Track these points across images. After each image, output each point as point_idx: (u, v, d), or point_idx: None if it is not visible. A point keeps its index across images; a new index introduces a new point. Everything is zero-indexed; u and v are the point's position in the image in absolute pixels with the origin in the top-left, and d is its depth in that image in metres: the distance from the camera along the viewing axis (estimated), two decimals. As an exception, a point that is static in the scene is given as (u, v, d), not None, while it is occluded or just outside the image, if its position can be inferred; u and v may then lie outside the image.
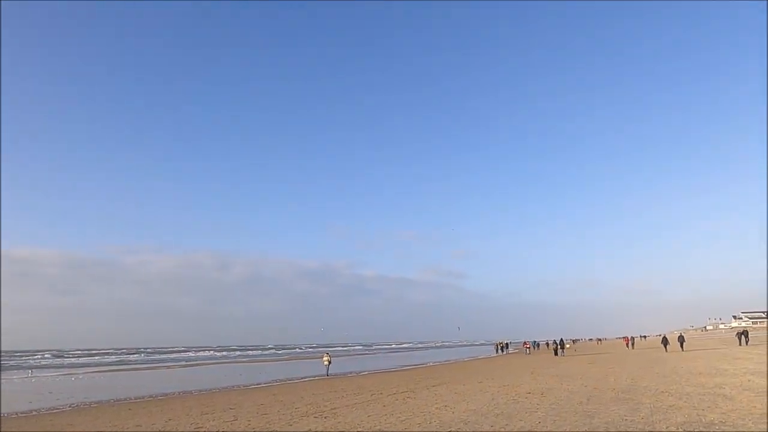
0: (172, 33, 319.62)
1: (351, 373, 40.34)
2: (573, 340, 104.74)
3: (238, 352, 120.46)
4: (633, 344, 71.90)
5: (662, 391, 16.40)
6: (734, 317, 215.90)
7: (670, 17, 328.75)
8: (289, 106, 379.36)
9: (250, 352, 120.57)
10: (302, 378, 36.22)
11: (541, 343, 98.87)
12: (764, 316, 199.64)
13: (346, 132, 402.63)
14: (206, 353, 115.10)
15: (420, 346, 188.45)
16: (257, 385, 31.04)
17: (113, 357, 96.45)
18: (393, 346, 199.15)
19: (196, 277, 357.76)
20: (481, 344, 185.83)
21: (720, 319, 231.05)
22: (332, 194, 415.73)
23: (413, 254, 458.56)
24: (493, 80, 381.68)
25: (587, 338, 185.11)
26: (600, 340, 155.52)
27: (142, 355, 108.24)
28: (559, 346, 57.55)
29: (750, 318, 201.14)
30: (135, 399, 24.35)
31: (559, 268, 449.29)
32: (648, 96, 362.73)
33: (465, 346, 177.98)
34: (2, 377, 45.45)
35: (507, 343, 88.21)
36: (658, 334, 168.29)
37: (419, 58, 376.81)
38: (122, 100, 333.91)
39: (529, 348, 76.65)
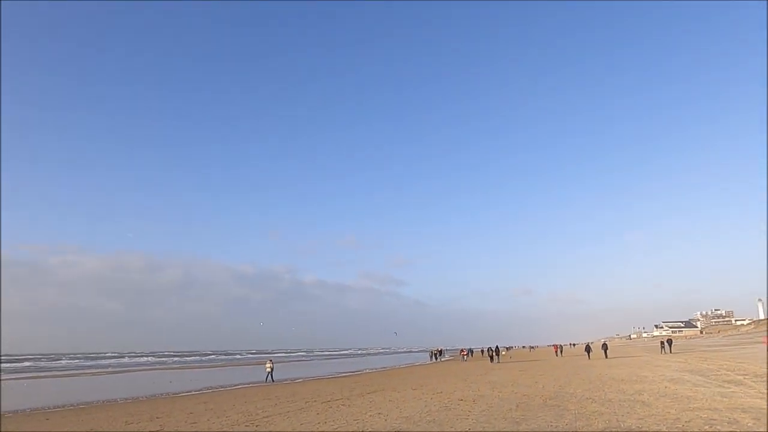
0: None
1: (287, 380, 39.79)
2: (506, 348, 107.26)
3: (176, 358, 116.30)
4: (561, 352, 74.55)
5: (587, 398, 17.06)
6: (656, 326, 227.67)
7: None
8: (229, 109, 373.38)
9: (188, 359, 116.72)
10: (237, 385, 35.43)
11: (475, 350, 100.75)
12: (683, 325, 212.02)
13: (288, 138, 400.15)
14: (135, 359, 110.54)
15: (359, 352, 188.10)
16: (188, 392, 30.11)
17: (27, 363, 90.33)
18: (333, 352, 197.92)
19: (125, 279, 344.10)
20: (419, 351, 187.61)
21: (643, 328, 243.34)
22: (274, 199, 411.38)
23: (353, 260, 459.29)
24: (439, 90, 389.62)
25: (520, 346, 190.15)
26: (532, 347, 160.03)
27: (64, 360, 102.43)
28: (494, 353, 58.79)
29: (670, 327, 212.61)
30: (53, 408, 23.07)
31: (495, 278, 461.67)
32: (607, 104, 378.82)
33: (403, 352, 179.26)
34: None
35: (441, 350, 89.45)
36: (587, 341, 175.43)
37: (364, 68, 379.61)
38: (47, 91, 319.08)
39: (465, 355, 77.89)
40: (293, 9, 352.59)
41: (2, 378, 50.41)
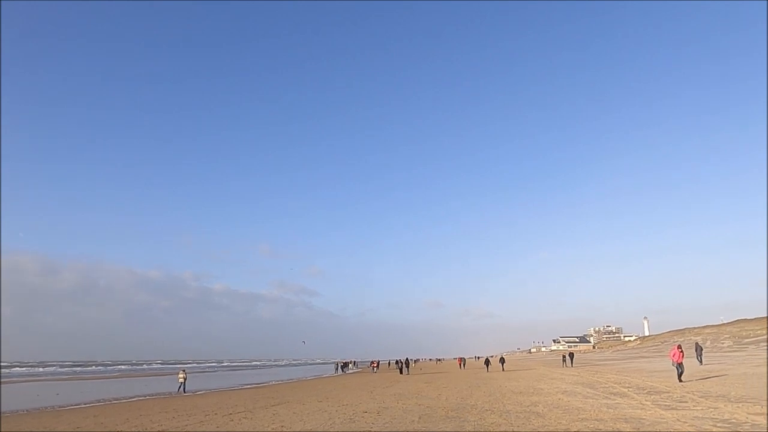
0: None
1: (188, 391, 38.12)
2: (414, 360, 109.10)
3: (72, 368, 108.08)
4: (464, 365, 76.67)
5: (486, 409, 17.66)
6: (554, 341, 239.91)
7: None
8: (141, 107, 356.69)
9: (85, 369, 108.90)
10: (134, 397, 33.51)
11: (382, 362, 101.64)
12: (578, 340, 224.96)
13: (205, 138, 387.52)
14: (24, 369, 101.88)
15: (269, 363, 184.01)
16: (78, 405, 28.08)
17: None
18: (242, 363, 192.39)
19: (15, 282, 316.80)
20: (330, 363, 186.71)
21: (542, 342, 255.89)
22: (187, 202, 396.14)
23: (266, 269, 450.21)
24: (365, 95, 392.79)
25: (428, 358, 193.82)
26: (439, 360, 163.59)
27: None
28: (404, 365, 59.79)
29: (566, 342, 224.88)
30: None
31: (407, 290, 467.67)
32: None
33: (313, 364, 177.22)
34: None
35: (347, 363, 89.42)
36: (490, 355, 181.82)
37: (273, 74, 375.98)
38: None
39: (375, 366, 78.35)
40: None
41: None
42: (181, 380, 38.06)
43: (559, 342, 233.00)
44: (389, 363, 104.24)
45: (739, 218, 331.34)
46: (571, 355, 58.47)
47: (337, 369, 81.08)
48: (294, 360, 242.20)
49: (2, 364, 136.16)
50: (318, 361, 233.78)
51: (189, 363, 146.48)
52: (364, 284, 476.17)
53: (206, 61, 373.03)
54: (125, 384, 52.77)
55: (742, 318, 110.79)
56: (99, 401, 30.74)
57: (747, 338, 78.21)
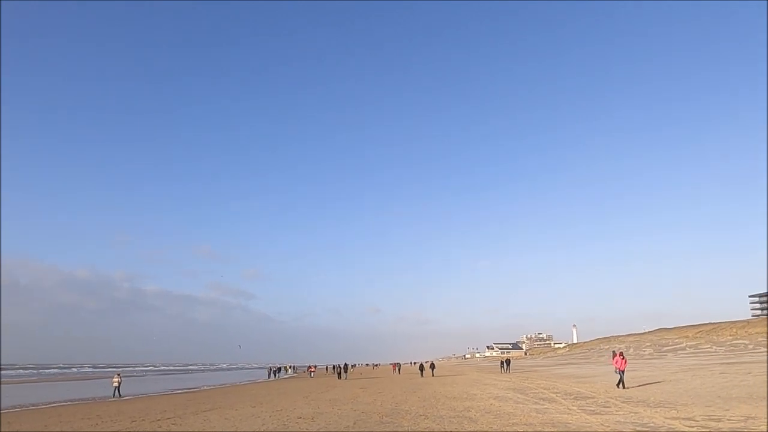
0: None
1: (103, 398, 36.53)
2: (351, 366, 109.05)
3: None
4: (399, 370, 77.29)
5: (420, 415, 17.86)
6: (488, 347, 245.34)
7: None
8: (74, 101, 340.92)
9: (18, 371, 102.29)
10: (53, 403, 31.73)
11: (319, 367, 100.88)
12: (511, 347, 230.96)
13: (141, 137, 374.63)
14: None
15: (203, 367, 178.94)
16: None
17: None
18: (175, 367, 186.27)
19: None
20: (268, 367, 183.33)
21: (476, 348, 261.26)
22: (120, 200, 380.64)
23: (204, 271, 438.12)
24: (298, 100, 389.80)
25: (365, 363, 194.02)
26: (376, 365, 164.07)
27: None
28: (342, 370, 60.08)
29: (500, 348, 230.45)
30: None
31: (346, 295, 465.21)
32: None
33: (249, 368, 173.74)
34: None
35: (280, 367, 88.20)
36: (426, 360, 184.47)
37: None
38: None
39: (313, 371, 77.77)
40: None
41: None
42: (116, 384, 37.01)
43: (492, 348, 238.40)
44: (327, 368, 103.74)
45: (661, 233, 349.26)
46: (508, 361, 59.98)
47: (270, 374, 79.22)
48: (231, 364, 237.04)
49: None
50: (254, 365, 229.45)
51: (121, 366, 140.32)
52: (304, 288, 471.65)
53: (150, 60, 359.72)
54: (53, 388, 50.05)
55: (663, 327, 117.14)
56: (16, 407, 28.94)
57: (666, 346, 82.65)
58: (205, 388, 49.50)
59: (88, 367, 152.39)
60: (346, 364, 62.87)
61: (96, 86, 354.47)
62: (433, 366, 61.18)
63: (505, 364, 57.48)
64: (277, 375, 79.31)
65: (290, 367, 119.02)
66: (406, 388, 34.71)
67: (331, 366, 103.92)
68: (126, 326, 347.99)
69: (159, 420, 19.18)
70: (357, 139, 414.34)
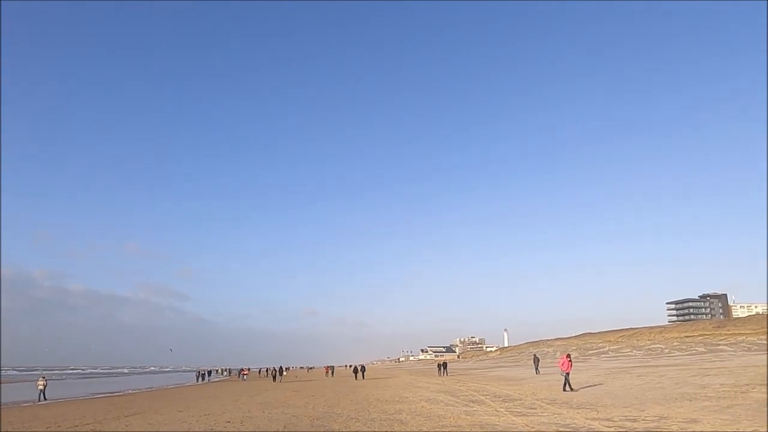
0: None
1: (28, 401, 34.49)
2: (285, 368, 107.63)
3: None
4: (333, 373, 76.95)
5: (352, 418, 17.84)
6: (422, 350, 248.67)
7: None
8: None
9: None
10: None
11: (253, 369, 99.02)
12: (444, 350, 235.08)
13: (66, 127, 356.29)
14: None
15: (130, 371, 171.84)
16: None
17: None
18: (101, 370, 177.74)
19: None
20: (197, 371, 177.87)
21: (411, 351, 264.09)
22: (41, 193, 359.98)
23: (132, 269, 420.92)
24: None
25: (299, 366, 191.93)
26: (310, 368, 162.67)
27: None
28: (278, 373, 59.61)
29: (434, 352, 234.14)
30: None
31: (283, 297, 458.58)
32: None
33: (181, 372, 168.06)
34: None
35: (210, 370, 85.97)
36: (361, 363, 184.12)
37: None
38: None
39: (245, 374, 76.14)
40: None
41: None
42: (41, 387, 35.96)
43: (426, 351, 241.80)
44: (260, 371, 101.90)
45: (588, 243, 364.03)
46: (445, 364, 60.79)
47: (198, 378, 76.25)
48: (161, 367, 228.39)
49: None
50: (186, 368, 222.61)
51: (43, 369, 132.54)
52: (240, 289, 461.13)
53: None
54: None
55: (588, 332, 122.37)
56: None
57: (590, 350, 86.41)
58: (131, 392, 47.56)
59: (12, 370, 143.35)
60: (281, 367, 62.44)
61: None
62: (363, 369, 61.45)
63: (442, 367, 58.28)
64: (206, 378, 76.69)
65: (224, 370, 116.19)
66: (339, 391, 34.59)
67: (265, 369, 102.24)
68: (48, 327, 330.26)
69: (77, 426, 18.26)
70: (298, 138, 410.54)
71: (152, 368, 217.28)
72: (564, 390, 24.73)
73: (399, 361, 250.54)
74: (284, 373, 64.30)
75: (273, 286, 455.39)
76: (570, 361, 25.77)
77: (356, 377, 57.04)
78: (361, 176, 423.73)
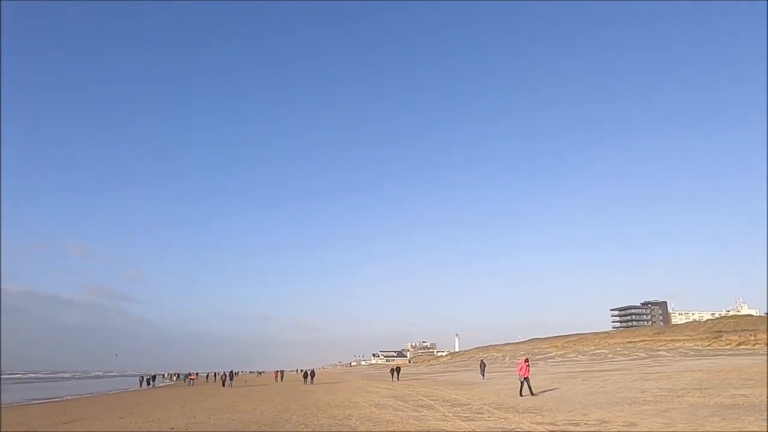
0: None
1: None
2: (235, 373, 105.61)
3: None
4: (282, 377, 76.08)
5: (300, 423, 17.66)
6: (374, 355, 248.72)
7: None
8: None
9: None
10: None
11: (201, 374, 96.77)
12: (395, 355, 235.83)
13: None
14: None
15: (72, 375, 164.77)
16: None
17: None
18: (41, 374, 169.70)
19: None
20: (140, 375, 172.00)
21: (363, 356, 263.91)
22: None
23: (76, 270, 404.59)
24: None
25: (249, 371, 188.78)
26: (260, 372, 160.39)
27: None
28: (228, 378, 58.63)
29: (385, 356, 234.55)
30: None
31: (235, 300, 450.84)
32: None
33: (127, 376, 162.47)
34: None
35: (155, 375, 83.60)
36: (311, 368, 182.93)
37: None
38: None
39: (192, 379, 74.26)
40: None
41: None
42: None
43: (378, 356, 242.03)
44: (207, 376, 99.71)
45: (535, 251, 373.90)
46: (398, 368, 61.00)
47: (142, 382, 73.66)
48: (105, 372, 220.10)
49: None
50: (132, 373, 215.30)
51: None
52: (189, 292, 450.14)
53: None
54: None
55: (536, 337, 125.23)
56: None
57: (538, 355, 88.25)
58: (69, 397, 45.66)
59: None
60: (231, 372, 61.35)
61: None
62: (313, 374, 61.22)
63: (395, 371, 58.45)
64: (151, 383, 74.15)
65: (172, 375, 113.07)
66: (289, 396, 34.22)
67: (213, 374, 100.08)
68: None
69: (9, 434, 17.39)
70: (238, 136, 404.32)
71: (96, 373, 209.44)
72: (521, 395, 24.36)
73: (351, 366, 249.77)
74: (234, 377, 63.13)
75: (224, 289, 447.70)
76: (528, 365, 25.61)
77: (305, 382, 56.62)
78: (317, 181, 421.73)
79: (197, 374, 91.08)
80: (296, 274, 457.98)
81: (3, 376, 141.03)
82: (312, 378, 58.91)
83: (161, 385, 78.91)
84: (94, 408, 30.27)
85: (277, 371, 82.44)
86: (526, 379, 24.75)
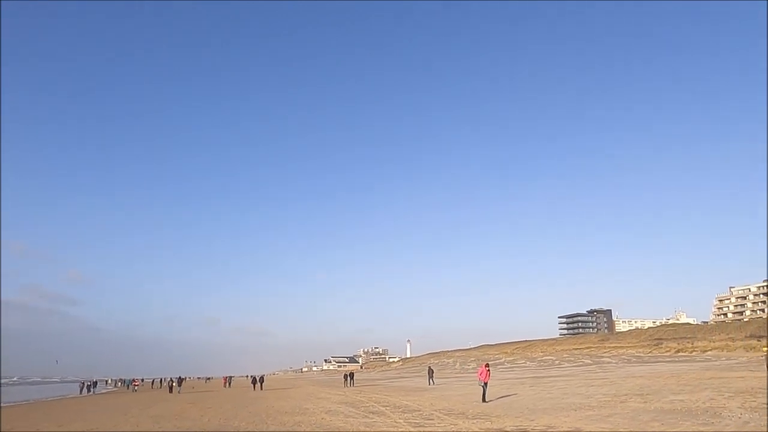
0: None
1: None
2: (182, 379, 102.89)
3: None
4: (230, 383, 74.61)
5: (249, 430, 17.33)
6: (326, 361, 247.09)
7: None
8: None
9: None
10: None
11: (146, 380, 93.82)
12: (347, 361, 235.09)
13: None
14: None
15: (8, 381, 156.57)
16: None
17: None
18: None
19: None
20: (80, 382, 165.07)
21: (314, 361, 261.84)
22: None
23: (14, 271, 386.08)
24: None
25: (197, 377, 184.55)
26: (208, 378, 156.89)
27: None
28: (177, 384, 57.20)
29: (337, 362, 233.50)
30: None
31: (183, 304, 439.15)
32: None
33: (66, 382, 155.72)
34: None
35: (96, 381, 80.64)
36: (267, 373, 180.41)
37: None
38: None
39: (137, 385, 71.88)
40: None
41: None
42: None
43: (330, 362, 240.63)
44: (153, 382, 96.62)
45: (487, 260, 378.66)
46: (352, 374, 60.64)
47: (83, 389, 70.35)
48: (45, 378, 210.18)
49: None
50: (74, 379, 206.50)
51: None
52: (136, 296, 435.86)
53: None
54: None
55: (486, 343, 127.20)
56: None
57: (488, 361, 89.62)
58: (5, 405, 43.35)
59: None
60: (180, 377, 59.77)
61: None
62: (262, 380, 60.33)
63: (349, 377, 58.16)
64: (92, 390, 71.05)
65: (117, 381, 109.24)
66: (238, 403, 33.57)
67: (159, 380, 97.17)
68: None
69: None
70: (192, 137, 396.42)
71: (35, 379, 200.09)
72: (484, 401, 23.72)
73: (302, 372, 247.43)
74: (183, 383, 61.47)
75: (172, 293, 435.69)
76: (488, 371, 25.11)
77: (254, 388, 55.73)
78: (270, 187, 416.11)
79: (142, 380, 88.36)
80: (248, 279, 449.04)
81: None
82: (261, 384, 58.05)
83: (103, 391, 75.98)
84: (31, 417, 28.93)
85: (226, 377, 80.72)
86: (485, 384, 24.40)
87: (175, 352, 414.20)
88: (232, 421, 21.30)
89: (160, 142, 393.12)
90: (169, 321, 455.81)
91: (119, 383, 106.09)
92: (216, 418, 22.96)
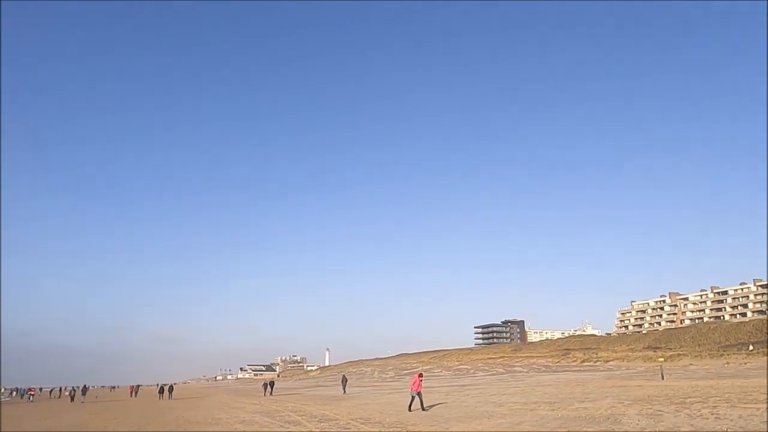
0: None
1: None
2: (87, 387, 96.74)
3: None
4: (137, 393, 71.20)
5: (157, 442, 16.58)
6: (241, 369, 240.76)
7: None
8: None
9: None
10: None
11: (44, 388, 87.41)
12: (264, 369, 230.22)
13: None
14: None
15: None
16: None
17: None
18: None
19: None
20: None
21: (229, 370, 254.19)
22: None
23: None
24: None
25: (101, 385, 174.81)
26: (113, 387, 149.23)
27: None
28: (80, 393, 54.50)
29: (253, 370, 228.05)
30: None
31: (87, 309, 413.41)
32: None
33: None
34: None
35: None
36: (179, 381, 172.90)
37: None
38: None
39: (33, 395, 66.94)
40: None
41: None
42: None
43: (246, 370, 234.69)
44: (51, 391, 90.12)
45: (404, 269, 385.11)
46: (272, 383, 59.41)
47: None
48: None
49: None
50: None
51: None
52: (37, 299, 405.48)
53: None
54: None
55: (404, 352, 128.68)
56: None
57: (406, 370, 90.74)
58: None
59: None
60: (85, 386, 56.31)
61: None
62: (171, 388, 57.99)
63: (269, 385, 56.91)
64: None
65: (12, 391, 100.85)
66: (146, 414, 32.06)
67: (59, 389, 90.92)
68: None
69: None
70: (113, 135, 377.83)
71: None
72: (423, 409, 23.08)
73: (216, 380, 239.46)
74: (87, 392, 57.91)
75: (75, 296, 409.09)
76: (421, 380, 24.22)
77: (161, 397, 53.43)
78: (185, 184, 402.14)
79: (40, 389, 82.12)
80: (162, 284, 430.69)
81: None
82: (170, 393, 55.67)
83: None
84: None
85: (133, 386, 76.77)
86: (419, 394, 23.55)
87: (77, 359, 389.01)
88: (139, 432, 20.30)
89: (69, 144, 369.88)
90: (75, 326, 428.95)
91: (13, 393, 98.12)
92: (121, 429, 21.77)
